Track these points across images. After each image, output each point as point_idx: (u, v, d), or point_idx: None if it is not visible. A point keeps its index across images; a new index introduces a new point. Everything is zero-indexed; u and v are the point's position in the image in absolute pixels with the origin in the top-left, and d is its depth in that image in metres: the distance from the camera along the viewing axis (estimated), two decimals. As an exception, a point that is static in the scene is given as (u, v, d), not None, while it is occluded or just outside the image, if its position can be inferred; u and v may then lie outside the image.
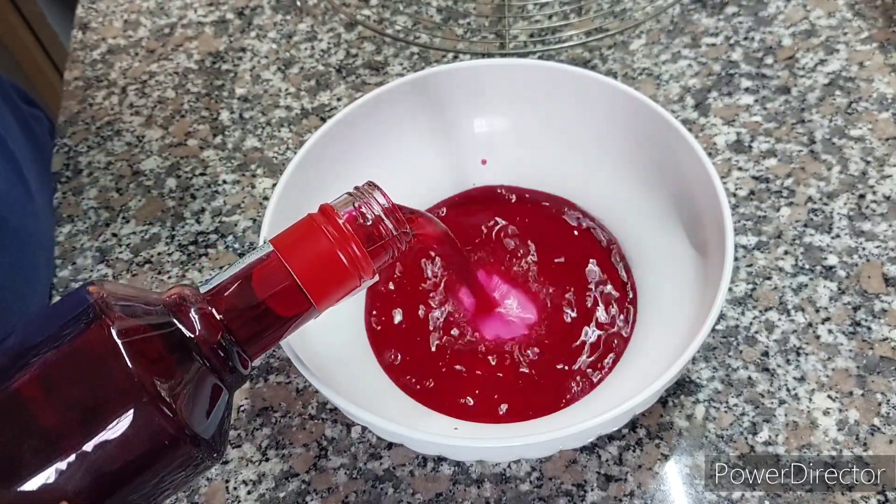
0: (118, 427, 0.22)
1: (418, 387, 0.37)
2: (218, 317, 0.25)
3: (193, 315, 0.25)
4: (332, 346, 0.36)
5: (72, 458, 0.22)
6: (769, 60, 0.51)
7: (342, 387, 0.31)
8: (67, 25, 0.72)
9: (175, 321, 0.25)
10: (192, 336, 0.25)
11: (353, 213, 0.28)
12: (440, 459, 0.37)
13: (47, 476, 0.22)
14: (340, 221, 0.27)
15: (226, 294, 0.26)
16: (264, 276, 0.26)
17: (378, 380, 0.37)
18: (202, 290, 0.26)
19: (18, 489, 0.22)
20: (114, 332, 0.23)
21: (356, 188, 0.29)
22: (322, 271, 0.26)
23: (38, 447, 0.22)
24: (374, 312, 0.40)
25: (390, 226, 0.28)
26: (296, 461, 0.38)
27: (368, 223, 0.28)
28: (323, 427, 0.39)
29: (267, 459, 0.38)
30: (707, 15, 0.54)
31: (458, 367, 0.38)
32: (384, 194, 0.29)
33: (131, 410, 0.22)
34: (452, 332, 0.39)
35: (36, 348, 0.23)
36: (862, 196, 0.44)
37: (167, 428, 0.23)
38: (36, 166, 0.49)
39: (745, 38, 0.52)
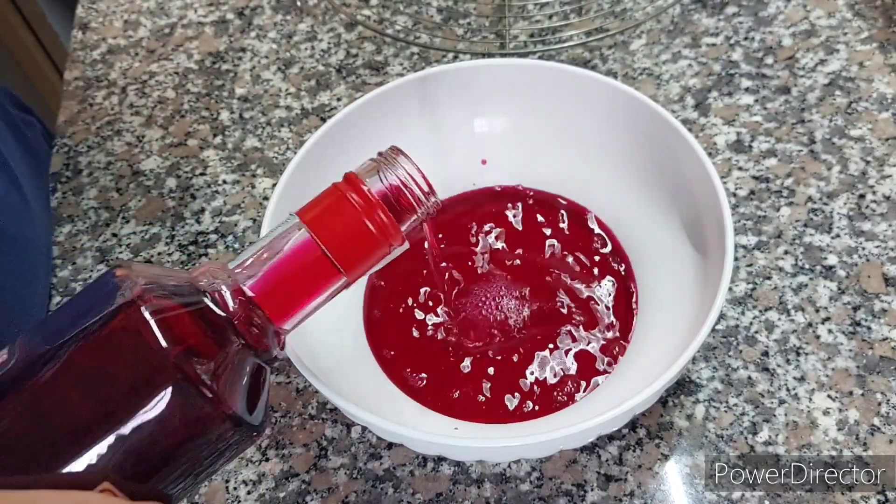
0: (156, 407, 0.22)
1: (418, 387, 0.37)
2: (249, 292, 0.25)
3: (224, 292, 0.25)
4: (332, 346, 0.36)
5: (112, 439, 0.22)
6: (769, 60, 0.51)
7: (342, 387, 0.31)
8: (67, 25, 0.72)
9: (206, 299, 0.25)
10: (225, 313, 0.25)
11: (379, 179, 0.27)
12: (440, 459, 0.37)
13: (89, 457, 0.22)
14: (365, 188, 0.26)
15: (253, 269, 0.26)
16: (292, 249, 0.26)
17: (378, 380, 0.37)
18: (231, 266, 0.26)
19: (61, 470, 0.22)
20: (146, 313, 0.22)
21: (380, 154, 0.28)
22: (350, 240, 0.26)
23: (78, 429, 0.22)
24: (374, 312, 0.40)
25: (417, 190, 0.27)
26: (296, 461, 0.38)
27: (394, 188, 0.27)
28: (323, 427, 0.39)
29: (267, 459, 0.38)
30: (707, 15, 0.54)
31: (457, 367, 0.38)
32: (409, 158, 0.28)
33: (168, 390, 0.22)
34: (452, 333, 0.39)
35: (69, 334, 0.23)
36: (862, 196, 0.44)
37: (206, 406, 0.23)
38: (30, 171, 0.49)
39: (746, 38, 0.52)
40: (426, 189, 0.28)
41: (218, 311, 0.25)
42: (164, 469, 0.23)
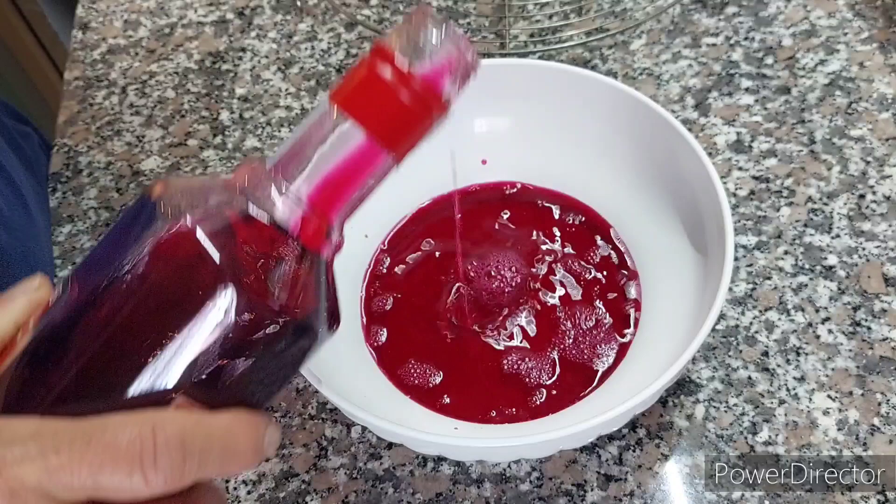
0: (219, 320, 0.22)
1: (418, 386, 0.37)
2: (293, 189, 0.24)
3: (269, 193, 0.24)
4: (332, 345, 0.36)
5: (180, 357, 0.22)
6: (769, 60, 0.51)
7: (342, 387, 0.31)
8: (67, 25, 0.72)
9: (250, 204, 0.24)
10: (272, 216, 0.24)
11: (410, 44, 0.24)
12: (440, 459, 0.37)
13: (159, 377, 0.22)
14: (396, 57, 0.24)
15: (295, 163, 0.24)
16: (331, 135, 0.24)
17: (378, 380, 0.37)
18: (269, 164, 0.24)
19: (135, 393, 0.22)
20: (195, 228, 0.22)
21: (407, 16, 0.25)
22: (389, 117, 0.24)
23: (144, 352, 0.22)
24: (373, 312, 0.40)
25: (452, 50, 0.25)
26: (296, 461, 0.38)
27: (428, 53, 0.24)
28: (323, 427, 0.39)
29: (267, 459, 0.38)
30: (707, 15, 0.54)
31: (458, 367, 0.38)
32: (440, 18, 0.25)
33: (228, 301, 0.22)
34: (453, 333, 0.39)
35: (120, 263, 0.22)
36: (862, 196, 0.44)
37: (266, 312, 0.22)
38: (31, 183, 0.48)
39: (746, 39, 0.52)
40: (462, 48, 0.25)
41: (265, 215, 0.23)
42: (240, 378, 0.23)
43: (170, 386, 0.22)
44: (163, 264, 0.22)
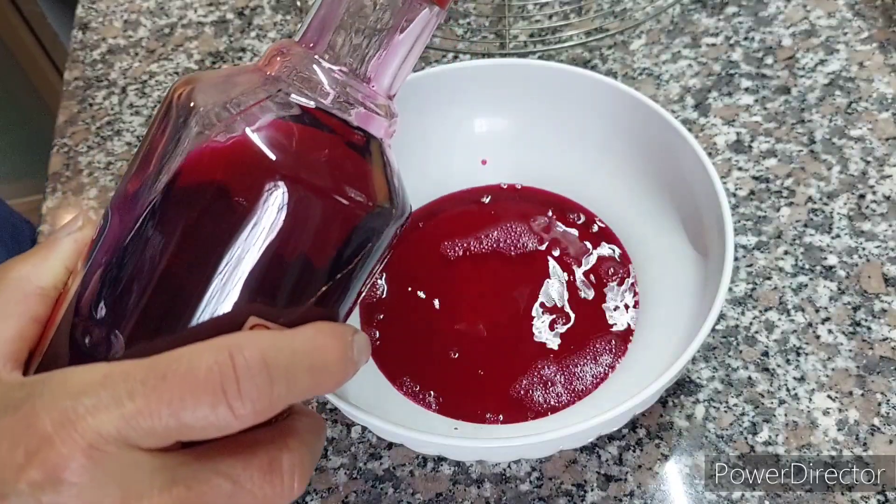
0: (279, 220, 0.20)
1: (417, 387, 0.37)
2: (332, 66, 0.22)
3: (308, 76, 0.21)
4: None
5: (243, 273, 0.20)
6: (769, 60, 0.51)
7: (342, 387, 0.31)
8: (67, 25, 0.72)
9: (292, 91, 0.21)
10: (316, 98, 0.21)
11: None
12: (440, 459, 0.37)
13: (226, 300, 0.20)
14: None
15: (327, 36, 0.22)
16: None
17: (378, 379, 0.37)
18: (297, 38, 0.22)
19: (202, 320, 0.20)
20: (233, 125, 0.20)
21: None
22: None
23: (204, 275, 0.20)
24: (372, 312, 0.40)
25: None
26: (296, 461, 0.38)
27: None
28: (323, 427, 0.39)
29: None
30: (707, 15, 0.54)
31: (456, 367, 0.38)
32: None
33: (287, 198, 0.19)
34: (452, 333, 0.39)
35: (157, 178, 0.20)
36: (862, 196, 0.44)
37: (331, 205, 0.20)
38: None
39: (745, 38, 0.52)
40: None
41: (311, 101, 0.21)
42: (315, 287, 0.21)
43: (239, 307, 0.20)
44: (210, 174, 0.20)
